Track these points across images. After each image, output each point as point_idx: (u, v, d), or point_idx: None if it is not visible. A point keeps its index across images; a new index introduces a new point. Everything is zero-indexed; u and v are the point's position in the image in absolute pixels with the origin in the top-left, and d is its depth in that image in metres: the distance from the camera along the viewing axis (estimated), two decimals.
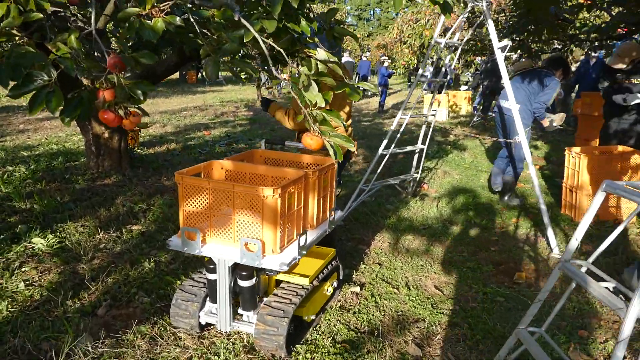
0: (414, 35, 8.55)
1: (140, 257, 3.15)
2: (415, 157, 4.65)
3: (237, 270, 2.20)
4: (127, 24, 1.85)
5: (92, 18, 1.86)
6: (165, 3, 1.87)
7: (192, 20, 2.04)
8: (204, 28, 2.12)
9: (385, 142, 4.13)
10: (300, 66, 2.11)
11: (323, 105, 1.85)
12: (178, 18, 1.85)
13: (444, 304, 2.79)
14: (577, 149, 4.31)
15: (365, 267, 3.24)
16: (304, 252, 2.22)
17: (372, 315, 2.64)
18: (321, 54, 2.07)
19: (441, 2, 2.34)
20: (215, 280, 2.23)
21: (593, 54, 9.56)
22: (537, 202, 4.35)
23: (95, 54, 1.95)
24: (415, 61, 10.16)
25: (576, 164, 4.16)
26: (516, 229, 4.04)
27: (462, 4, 4.15)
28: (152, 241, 3.46)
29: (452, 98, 12.57)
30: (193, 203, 2.16)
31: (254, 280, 2.21)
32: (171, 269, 3.03)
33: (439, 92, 9.91)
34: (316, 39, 2.16)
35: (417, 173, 4.71)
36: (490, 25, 3.62)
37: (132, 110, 1.80)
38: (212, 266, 2.23)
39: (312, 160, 2.68)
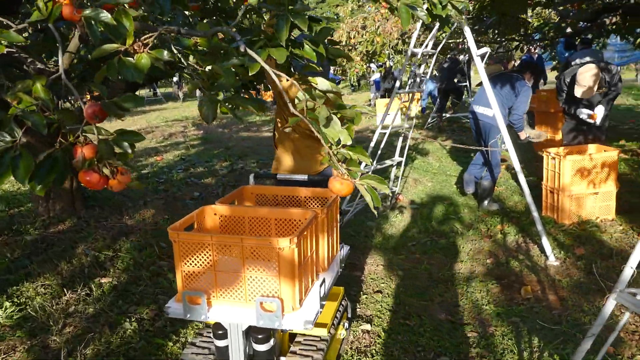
0: (365, 42, 8.48)
1: (119, 318, 2.78)
2: (393, 170, 4.50)
3: (251, 333, 1.92)
4: (104, 64, 1.56)
5: (60, 59, 1.55)
6: (148, 35, 1.59)
7: (174, 51, 1.76)
8: (187, 59, 1.85)
9: (376, 160, 3.95)
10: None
11: (349, 142, 1.62)
12: (166, 52, 1.58)
13: (461, 332, 2.63)
14: (555, 150, 4.30)
15: (366, 298, 3.02)
16: (324, 303, 1.98)
17: (392, 355, 2.43)
18: (322, 83, 1.85)
19: (443, 16, 2.18)
20: (226, 347, 1.94)
21: (533, 50, 9.88)
22: (514, 206, 4.30)
23: (62, 101, 1.64)
24: (364, 67, 10.15)
25: (556, 165, 4.14)
26: (504, 236, 3.97)
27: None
28: (128, 295, 3.09)
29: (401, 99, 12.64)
30: (193, 262, 1.87)
31: (271, 342, 1.94)
32: (157, 327, 2.69)
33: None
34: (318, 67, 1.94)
35: (396, 186, 4.56)
36: (468, 33, 3.52)
37: (119, 167, 1.50)
38: (220, 332, 1.94)
39: (310, 193, 2.44)
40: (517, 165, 3.58)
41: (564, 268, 3.33)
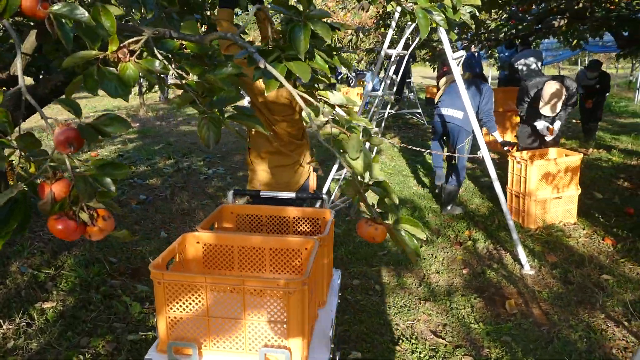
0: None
1: (70, 354, 2.40)
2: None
3: None
4: (81, 75, 1.24)
5: (19, 67, 1.20)
6: (134, 39, 1.27)
7: (161, 58, 1.44)
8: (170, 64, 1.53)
9: (337, 165, 3.72)
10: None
11: (382, 178, 1.39)
12: (158, 62, 1.27)
13: (455, 355, 2.49)
14: (521, 154, 4.29)
15: (349, 318, 2.82)
16: (333, 346, 1.75)
17: None
18: (336, 97, 1.61)
19: (457, 20, 1.99)
20: None
21: (473, 49, 10.07)
22: (477, 210, 4.27)
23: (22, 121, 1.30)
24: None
25: (522, 170, 4.13)
26: (474, 243, 3.90)
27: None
28: (77, 324, 2.70)
29: (345, 95, 12.54)
30: (181, 307, 1.57)
31: None
32: None
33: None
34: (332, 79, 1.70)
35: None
36: (443, 35, 3.38)
37: (100, 210, 1.18)
38: None
39: (300, 213, 2.18)
40: (492, 173, 3.50)
41: (540, 277, 3.29)
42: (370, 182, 1.40)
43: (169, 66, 1.34)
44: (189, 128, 9.58)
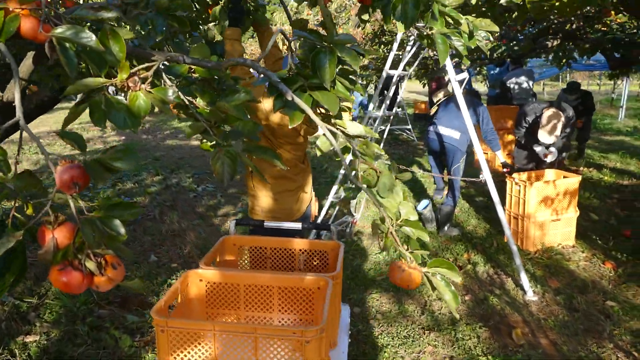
0: None
1: None
2: (356, 198, 4.22)
3: None
4: (84, 104, 1.13)
5: (17, 95, 1.08)
6: (144, 66, 1.16)
7: (166, 79, 1.33)
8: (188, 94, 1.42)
9: (335, 187, 3.62)
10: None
11: (414, 217, 1.29)
12: (171, 91, 1.17)
13: None
14: (519, 176, 4.24)
15: (353, 350, 2.69)
16: None
17: None
18: (355, 127, 1.51)
19: (472, 47, 1.91)
20: None
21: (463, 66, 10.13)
22: (474, 231, 4.21)
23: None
24: None
25: (520, 192, 4.08)
26: (474, 267, 3.82)
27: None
28: (63, 359, 2.53)
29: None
30: (187, 356, 1.43)
31: None
32: None
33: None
34: (353, 109, 1.59)
35: (358, 213, 4.28)
36: (447, 60, 3.31)
37: (108, 257, 1.05)
38: None
39: (307, 246, 2.07)
40: (495, 197, 3.43)
41: (544, 304, 3.21)
42: (400, 222, 1.30)
43: (180, 94, 1.23)
44: (176, 142, 9.41)
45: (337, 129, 1.59)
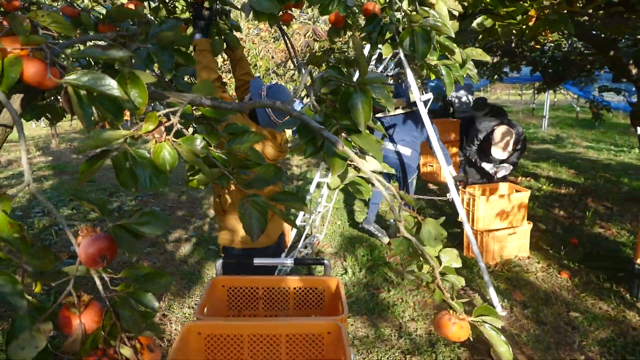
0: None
1: None
2: (319, 216, 4.14)
3: None
4: (100, 160, 1.00)
5: (25, 167, 0.93)
6: (169, 111, 1.05)
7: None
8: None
9: (301, 212, 3.52)
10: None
11: (458, 265, 1.23)
12: (199, 140, 1.06)
13: None
14: (474, 190, 4.35)
15: None
16: None
17: None
18: (372, 164, 1.45)
19: (464, 75, 1.90)
20: None
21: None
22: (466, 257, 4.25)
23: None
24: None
25: (475, 206, 4.18)
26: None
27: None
28: None
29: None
30: None
31: None
32: None
33: None
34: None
35: (321, 233, 4.20)
36: (410, 77, 3.34)
37: (142, 339, 0.91)
38: None
39: (301, 283, 1.96)
40: (463, 215, 3.48)
41: (514, 319, 3.29)
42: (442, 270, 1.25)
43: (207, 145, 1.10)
44: (110, 162, 8.87)
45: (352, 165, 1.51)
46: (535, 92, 16.27)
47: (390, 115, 4.52)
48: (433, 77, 1.94)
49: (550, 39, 5.86)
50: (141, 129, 0.96)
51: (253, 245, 2.32)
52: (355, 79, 1.20)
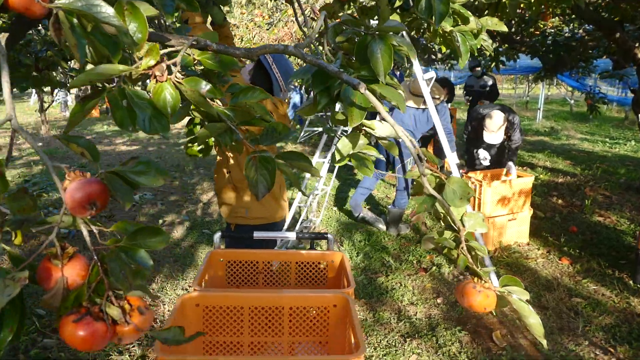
0: None
1: None
2: (316, 200, 4.05)
3: None
4: (93, 100, 0.90)
5: (8, 105, 0.82)
6: (172, 50, 0.95)
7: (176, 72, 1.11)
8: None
9: (299, 193, 3.43)
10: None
11: (484, 230, 1.14)
12: (204, 83, 0.96)
13: None
14: (475, 175, 4.28)
15: None
16: None
17: None
18: (384, 128, 1.37)
19: (478, 46, 1.81)
20: None
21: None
22: (432, 232, 4.19)
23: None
24: None
25: (477, 191, 4.11)
26: (439, 269, 3.78)
27: None
28: None
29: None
30: None
31: None
32: None
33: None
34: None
35: (318, 217, 4.12)
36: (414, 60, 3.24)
37: (132, 299, 0.81)
38: None
39: (303, 257, 1.87)
40: None
41: None
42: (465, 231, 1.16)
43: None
44: (101, 148, 8.74)
45: (364, 129, 1.43)
46: (530, 83, 16.25)
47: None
48: (444, 49, 1.85)
49: (550, 25, 5.79)
50: (141, 65, 0.87)
51: (259, 222, 2.23)
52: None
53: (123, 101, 0.87)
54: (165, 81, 0.89)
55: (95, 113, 13.74)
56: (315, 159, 3.82)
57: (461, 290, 1.07)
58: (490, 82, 7.49)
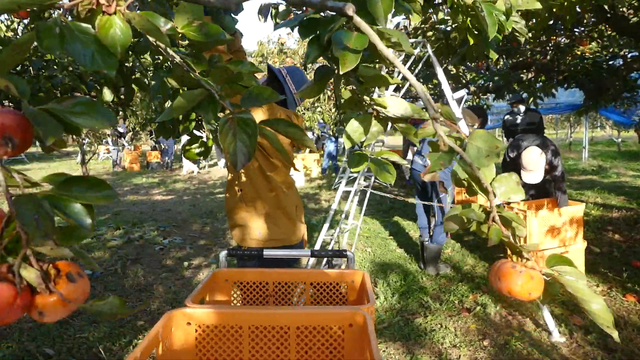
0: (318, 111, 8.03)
1: None
2: (345, 237, 3.80)
3: None
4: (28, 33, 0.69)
5: None
6: None
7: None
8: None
9: (327, 224, 3.20)
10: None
11: (522, 197, 0.89)
12: (163, 19, 0.78)
13: None
14: (519, 204, 3.94)
15: None
16: None
17: None
18: (397, 105, 1.15)
19: (509, 29, 1.60)
20: None
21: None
22: (473, 271, 3.84)
23: None
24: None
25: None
26: (484, 308, 3.40)
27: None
28: None
29: (302, 161, 12.28)
30: None
31: None
32: None
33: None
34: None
35: (351, 252, 3.83)
36: (440, 74, 3.06)
37: (61, 264, 0.61)
38: None
39: (320, 277, 1.63)
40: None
41: (575, 346, 2.81)
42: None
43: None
44: (137, 197, 8.81)
45: (375, 108, 1.22)
46: (572, 125, 15.74)
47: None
48: (471, 39, 1.66)
49: (588, 51, 5.53)
50: None
51: (273, 245, 2.02)
52: None
53: (56, 28, 0.69)
54: (114, 14, 0.72)
55: (136, 167, 14.11)
56: (341, 188, 3.60)
57: (496, 272, 0.80)
58: (537, 120, 7.00)
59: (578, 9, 2.67)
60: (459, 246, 4.96)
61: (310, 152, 12.95)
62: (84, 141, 11.45)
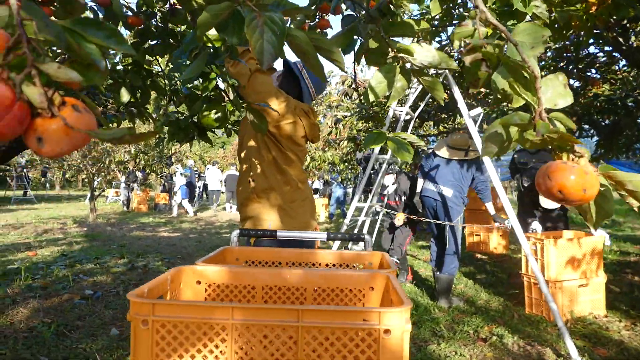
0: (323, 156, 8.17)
1: None
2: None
3: None
4: None
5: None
6: None
7: None
8: None
9: (337, 243, 3.12)
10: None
11: (566, 101, 0.84)
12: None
13: None
14: (536, 234, 3.83)
15: None
16: None
17: None
18: (425, 53, 1.13)
19: (529, 14, 1.60)
20: None
21: None
22: (488, 304, 3.70)
23: None
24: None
25: (538, 252, 3.63)
26: (501, 339, 3.23)
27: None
28: None
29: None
30: None
31: None
32: None
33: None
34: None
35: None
36: (457, 92, 3.06)
37: (70, 100, 0.55)
38: None
39: (335, 258, 1.54)
40: (526, 248, 2.98)
41: None
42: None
43: None
44: (142, 233, 8.73)
45: (402, 56, 1.21)
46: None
47: (436, 156, 4.17)
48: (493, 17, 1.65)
49: (602, 94, 5.56)
50: None
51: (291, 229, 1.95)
52: None
53: None
54: None
55: (144, 208, 14.10)
56: (354, 203, 3.53)
57: (545, 170, 0.74)
58: (549, 159, 7.03)
59: (595, 30, 2.68)
60: (472, 282, 4.80)
61: (320, 196, 12.92)
62: (94, 181, 11.50)
